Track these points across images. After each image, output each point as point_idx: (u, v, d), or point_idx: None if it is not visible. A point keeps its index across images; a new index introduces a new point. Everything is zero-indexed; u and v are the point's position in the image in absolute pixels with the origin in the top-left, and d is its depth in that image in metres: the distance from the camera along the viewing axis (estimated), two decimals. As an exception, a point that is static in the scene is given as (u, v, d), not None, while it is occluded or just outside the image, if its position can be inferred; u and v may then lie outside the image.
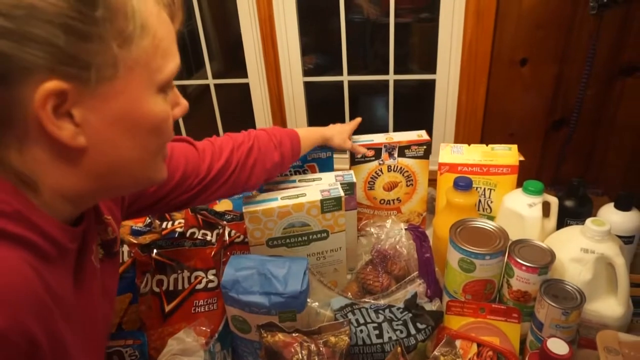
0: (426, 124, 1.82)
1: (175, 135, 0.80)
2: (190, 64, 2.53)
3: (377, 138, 1.08)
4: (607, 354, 0.69)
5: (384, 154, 1.08)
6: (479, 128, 1.70)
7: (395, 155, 1.08)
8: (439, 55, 1.64)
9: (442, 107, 1.73)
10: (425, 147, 1.08)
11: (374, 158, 1.07)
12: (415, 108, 2.03)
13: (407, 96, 2.05)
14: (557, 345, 0.62)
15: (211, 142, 0.84)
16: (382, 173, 1.10)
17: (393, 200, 1.13)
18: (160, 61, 0.46)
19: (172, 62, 0.48)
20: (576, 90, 1.60)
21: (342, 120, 1.91)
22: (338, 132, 1.02)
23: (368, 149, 1.06)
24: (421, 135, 1.09)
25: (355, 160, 1.08)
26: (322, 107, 2.07)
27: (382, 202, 1.13)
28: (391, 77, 1.74)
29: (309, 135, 0.97)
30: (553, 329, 0.70)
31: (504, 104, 1.68)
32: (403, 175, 1.10)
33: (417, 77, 1.76)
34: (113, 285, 0.67)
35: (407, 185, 1.12)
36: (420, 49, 1.81)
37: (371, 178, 1.10)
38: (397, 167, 1.09)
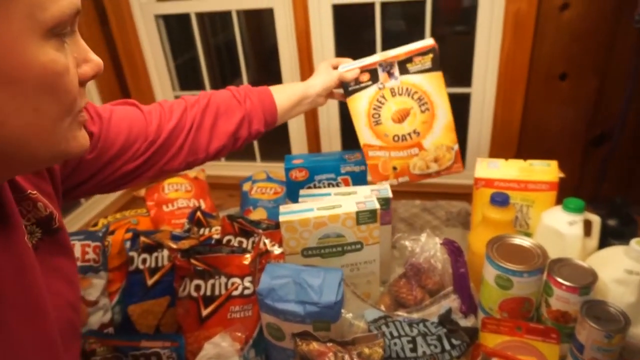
0: (461, 139, 1.81)
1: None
2: (226, 72, 2.60)
3: (369, 58, 0.90)
4: (651, 380, 0.66)
5: (382, 75, 0.89)
6: (514, 143, 1.68)
7: (396, 74, 0.88)
8: (474, 69, 1.64)
9: (477, 121, 1.72)
10: (431, 55, 0.87)
11: (370, 82, 0.90)
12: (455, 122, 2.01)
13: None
14: (600, 369, 0.61)
15: (159, 104, 0.76)
16: (386, 100, 0.91)
17: (409, 134, 0.94)
18: None
19: None
20: (618, 105, 1.56)
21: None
22: (320, 72, 0.90)
23: (361, 71, 0.89)
24: (426, 42, 0.88)
25: (349, 90, 0.91)
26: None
27: (397, 138, 0.94)
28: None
29: (285, 88, 0.87)
30: (594, 351, 0.68)
31: (542, 119, 1.65)
32: (413, 98, 0.91)
33: (451, 90, 1.75)
34: (67, 265, 0.58)
35: (422, 112, 0.92)
36: (455, 62, 1.80)
37: (374, 109, 0.92)
38: (403, 88, 0.90)
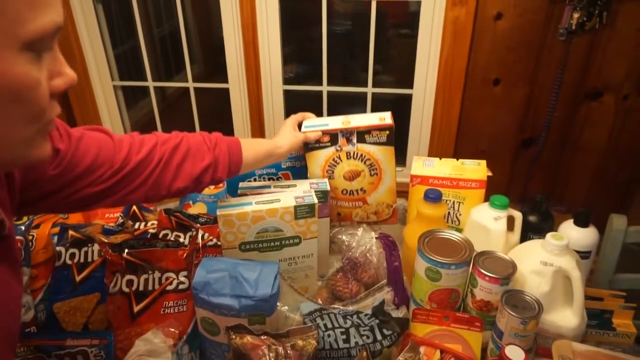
0: (402, 138, 1.87)
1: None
2: (171, 66, 2.52)
3: (333, 122, 0.99)
4: (561, 362, 0.72)
5: (341, 140, 0.98)
6: (452, 143, 1.76)
7: (354, 141, 0.97)
8: (416, 71, 1.70)
9: (417, 121, 1.78)
10: (387, 132, 0.97)
11: (329, 144, 0.98)
12: (395, 120, 2.07)
13: (385, 110, 2.10)
14: (514, 352, 0.65)
15: (131, 135, 0.78)
16: (341, 161, 1.00)
17: (357, 190, 1.04)
18: (25, 10, 0.38)
19: (46, 16, 0.39)
20: (545, 112, 1.68)
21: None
22: (287, 134, 0.96)
23: (323, 134, 0.98)
24: (384, 118, 0.97)
25: (309, 147, 0.99)
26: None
27: (345, 192, 1.04)
28: (369, 90, 1.78)
29: (254, 143, 0.90)
30: (512, 337, 0.73)
31: (477, 121, 1.74)
32: (365, 163, 1.00)
33: (394, 90, 1.81)
34: (8, 274, 0.56)
35: (370, 175, 1.02)
36: (399, 64, 1.86)
37: (329, 166, 1.01)
38: (358, 154, 0.99)
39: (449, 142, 1.74)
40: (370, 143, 0.98)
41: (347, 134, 0.97)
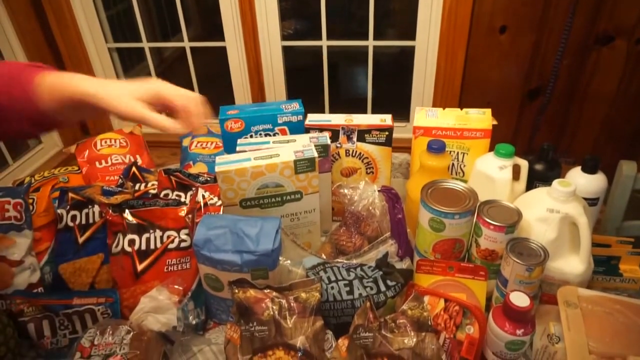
0: (405, 93, 1.83)
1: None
2: (167, 27, 2.45)
3: (336, 119, 1.01)
4: (566, 307, 0.72)
5: (342, 137, 1.00)
6: (457, 96, 1.71)
7: (354, 139, 1.00)
8: (418, 22, 1.63)
9: (420, 74, 1.73)
10: (387, 133, 0.99)
11: (331, 140, 0.99)
12: (395, 77, 2.02)
13: (387, 65, 2.04)
14: (519, 298, 0.65)
15: None
16: (340, 157, 1.03)
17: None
18: None
19: None
20: (553, 60, 1.62)
21: (322, 88, 1.90)
22: (119, 93, 0.65)
23: (324, 130, 0.99)
24: (385, 120, 1.00)
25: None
26: (301, 73, 2.04)
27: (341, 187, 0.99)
28: (370, 43, 1.72)
29: (54, 81, 0.64)
30: (517, 284, 0.72)
31: (482, 72, 1.68)
32: (362, 161, 1.03)
33: (396, 43, 1.75)
34: None
35: (367, 173, 1.05)
36: (400, 16, 1.79)
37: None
38: (356, 152, 1.02)
39: (453, 94, 1.70)
40: (369, 142, 1.01)
41: (349, 131, 1.00)
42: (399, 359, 0.62)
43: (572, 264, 0.78)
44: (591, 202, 0.88)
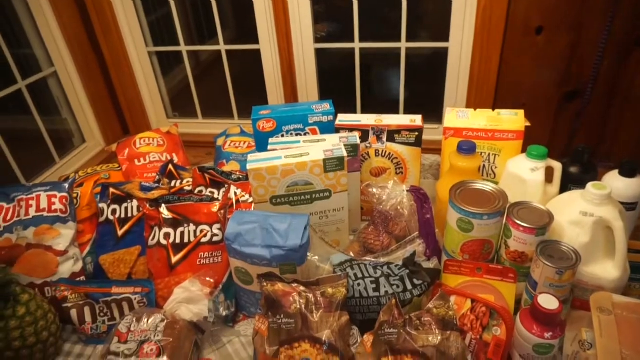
0: (438, 95, 1.81)
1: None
2: (203, 31, 2.52)
3: (366, 119, 1.02)
4: (599, 313, 0.70)
5: (372, 137, 1.01)
6: (490, 97, 1.68)
7: (384, 139, 1.00)
8: (452, 23, 1.62)
9: (454, 76, 1.71)
10: (417, 133, 0.99)
11: (360, 140, 1.00)
12: (428, 79, 2.01)
13: (420, 67, 2.03)
14: (548, 301, 0.64)
15: None
16: (369, 157, 1.04)
17: None
18: None
19: None
20: (591, 61, 1.57)
21: (354, 90, 1.91)
22: None
23: (354, 130, 1.00)
24: (414, 120, 1.00)
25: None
26: (334, 75, 2.05)
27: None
28: (403, 45, 1.72)
29: None
30: (547, 287, 0.71)
31: (517, 73, 1.65)
32: (392, 161, 1.04)
33: (429, 44, 1.74)
34: None
35: (396, 173, 1.05)
36: (433, 17, 1.78)
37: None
38: (386, 152, 1.02)
39: (487, 96, 1.67)
40: (399, 142, 1.01)
41: (378, 131, 1.00)
42: (422, 356, 0.62)
43: (607, 269, 0.76)
44: (629, 206, 0.85)
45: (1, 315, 0.71)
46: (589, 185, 0.75)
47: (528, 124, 0.95)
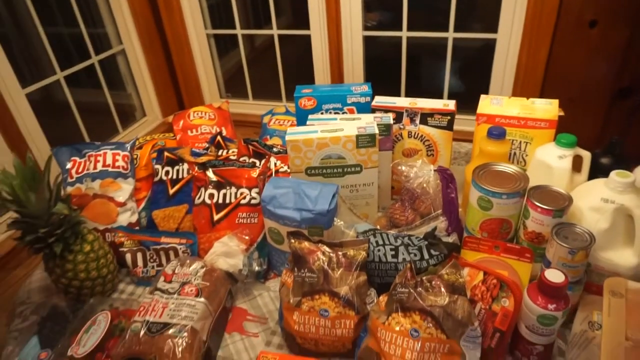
0: (484, 88, 1.81)
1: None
2: (260, 16, 2.63)
3: (400, 101, 1.06)
4: (611, 295, 0.72)
5: (405, 119, 1.05)
6: (537, 91, 1.67)
7: (417, 121, 1.05)
8: (502, 14, 1.62)
9: (500, 68, 1.71)
10: (449, 117, 1.03)
11: (395, 121, 1.04)
12: (476, 72, 2.00)
13: (469, 59, 2.03)
14: (554, 274, 0.67)
15: None
16: (402, 138, 1.08)
17: None
18: None
19: None
20: (648, 57, 1.52)
21: (399, 79, 1.95)
22: None
23: (389, 111, 1.05)
24: (447, 104, 1.04)
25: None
26: (381, 63, 2.10)
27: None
28: (450, 35, 1.74)
29: None
30: (560, 267, 0.74)
31: (567, 68, 1.63)
32: (424, 143, 1.07)
33: (476, 35, 1.74)
34: None
35: (427, 155, 1.09)
36: (483, 9, 1.77)
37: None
38: (418, 134, 1.06)
39: (533, 90, 1.66)
40: (431, 125, 1.05)
41: (412, 114, 1.05)
42: (430, 315, 0.68)
43: (625, 256, 0.78)
44: (657, 199, 0.85)
45: (71, 249, 0.84)
46: (613, 172, 0.77)
47: (562, 113, 0.96)
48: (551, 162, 0.90)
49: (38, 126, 1.54)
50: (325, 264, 0.77)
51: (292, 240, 0.79)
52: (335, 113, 1.08)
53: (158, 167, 1.06)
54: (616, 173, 0.77)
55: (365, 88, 1.08)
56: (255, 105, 2.19)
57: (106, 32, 1.90)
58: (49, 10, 1.65)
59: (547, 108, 0.99)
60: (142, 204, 1.07)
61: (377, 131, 0.92)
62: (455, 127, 1.06)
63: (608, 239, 0.78)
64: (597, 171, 0.93)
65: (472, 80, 2.03)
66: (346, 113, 1.08)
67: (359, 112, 1.07)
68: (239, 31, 2.03)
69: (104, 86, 1.88)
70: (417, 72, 2.06)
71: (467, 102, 1.15)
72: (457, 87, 1.91)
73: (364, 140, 0.92)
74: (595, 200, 0.78)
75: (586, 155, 0.90)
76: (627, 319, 0.70)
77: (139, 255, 0.95)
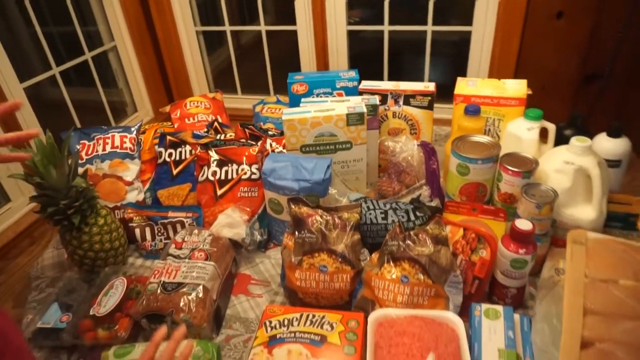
0: (461, 74, 1.92)
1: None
2: (245, 15, 2.71)
3: (385, 85, 1.16)
4: (573, 244, 0.83)
5: (390, 101, 1.14)
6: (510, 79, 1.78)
7: (401, 102, 1.14)
8: (476, 7, 1.73)
9: (476, 59, 1.83)
10: (429, 98, 1.12)
11: (380, 103, 1.14)
12: (454, 64, 2.12)
13: (447, 52, 2.15)
14: (523, 223, 0.77)
15: None
16: (387, 118, 1.18)
17: None
18: None
19: None
20: (611, 45, 1.65)
21: (382, 73, 2.05)
22: None
23: (375, 94, 1.13)
24: (428, 86, 1.14)
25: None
26: (365, 58, 2.20)
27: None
28: (429, 28, 1.85)
29: None
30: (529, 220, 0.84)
31: (538, 58, 1.75)
32: (407, 122, 1.17)
33: (453, 28, 1.85)
34: None
35: (411, 133, 1.18)
36: (460, 5, 1.89)
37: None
38: (402, 114, 1.16)
39: (507, 78, 1.77)
40: (414, 106, 1.15)
41: (396, 96, 1.14)
42: (417, 262, 0.77)
43: (585, 211, 0.88)
44: (614, 163, 0.97)
45: (87, 222, 0.91)
46: (573, 138, 0.88)
47: (530, 92, 1.07)
48: (521, 134, 1.01)
49: (36, 120, 1.59)
50: (323, 225, 0.85)
51: (292, 206, 0.88)
52: (325, 97, 1.17)
53: (161, 149, 1.14)
54: (576, 139, 0.87)
55: (353, 74, 1.17)
56: (245, 100, 2.26)
57: (98, 29, 1.96)
58: (41, 9, 1.71)
59: (517, 88, 1.09)
60: (147, 185, 1.14)
61: (365, 110, 1.01)
62: (436, 115, 1.17)
63: (570, 197, 0.88)
64: (561, 142, 1.03)
65: (451, 72, 2.15)
66: (335, 97, 1.17)
67: (348, 95, 1.16)
68: (227, 27, 2.11)
69: (97, 82, 1.94)
70: (399, 65, 2.17)
71: (447, 93, 1.26)
72: (437, 79, 2.02)
73: (354, 119, 1.01)
74: (559, 163, 0.89)
75: (551, 127, 1.01)
76: (587, 262, 0.80)
77: (147, 230, 1.02)
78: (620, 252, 0.81)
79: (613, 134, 0.97)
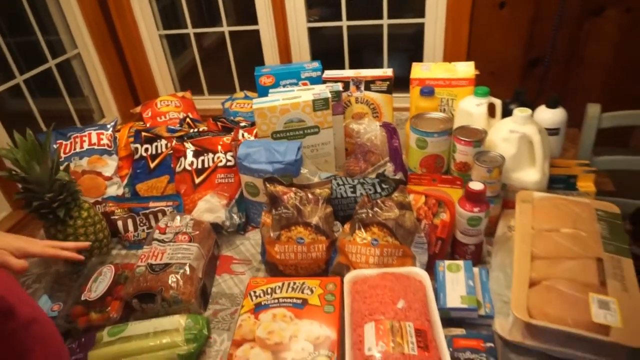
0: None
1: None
2: (205, 19, 2.75)
3: (347, 73, 1.25)
4: (520, 202, 0.93)
5: (352, 87, 1.23)
6: (462, 66, 1.91)
7: (362, 88, 1.23)
8: (427, 1, 1.84)
9: (430, 49, 1.94)
10: (388, 82, 1.22)
11: (343, 90, 1.21)
12: (412, 56, 2.23)
13: (403, 46, 2.26)
14: (475, 185, 0.87)
15: None
16: (351, 104, 1.27)
17: None
18: None
19: None
20: (550, 31, 1.79)
21: (343, 67, 2.14)
22: None
23: (338, 81, 1.21)
24: (386, 72, 1.23)
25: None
26: (326, 55, 2.28)
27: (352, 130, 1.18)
28: (385, 22, 1.95)
29: None
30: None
31: (486, 45, 1.88)
32: (369, 107, 1.26)
33: (407, 20, 1.96)
34: None
35: (373, 116, 1.27)
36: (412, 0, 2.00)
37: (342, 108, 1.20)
38: (364, 99, 1.25)
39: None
40: (374, 91, 1.24)
41: (357, 82, 1.23)
42: (384, 226, 0.85)
43: (530, 174, 0.99)
44: (553, 131, 1.08)
45: (71, 215, 0.95)
46: (515, 109, 0.98)
47: (477, 72, 1.18)
48: (471, 109, 1.11)
49: (4, 131, 1.59)
50: (297, 201, 0.93)
51: (268, 185, 0.94)
52: (292, 87, 1.24)
53: (137, 145, 1.18)
54: (518, 110, 0.98)
55: (316, 64, 1.25)
56: (212, 100, 2.31)
57: (60, 38, 1.96)
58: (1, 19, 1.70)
59: (466, 70, 1.20)
60: (125, 180, 1.18)
61: (329, 95, 1.09)
62: (396, 103, 1.27)
63: (516, 162, 0.99)
64: (507, 116, 1.15)
65: (409, 64, 2.27)
66: (301, 86, 1.24)
67: (312, 84, 1.24)
68: (190, 30, 2.15)
69: (63, 90, 1.94)
70: (359, 60, 2.26)
71: (406, 83, 1.35)
72: (396, 70, 2.13)
73: (319, 104, 1.09)
74: (505, 132, 0.99)
75: (497, 103, 1.12)
76: (533, 216, 0.91)
77: (130, 221, 1.07)
78: (561, 205, 0.92)
79: (551, 105, 1.09)
